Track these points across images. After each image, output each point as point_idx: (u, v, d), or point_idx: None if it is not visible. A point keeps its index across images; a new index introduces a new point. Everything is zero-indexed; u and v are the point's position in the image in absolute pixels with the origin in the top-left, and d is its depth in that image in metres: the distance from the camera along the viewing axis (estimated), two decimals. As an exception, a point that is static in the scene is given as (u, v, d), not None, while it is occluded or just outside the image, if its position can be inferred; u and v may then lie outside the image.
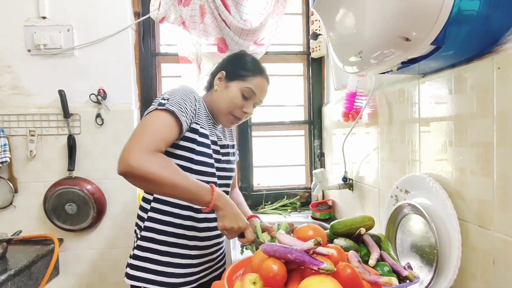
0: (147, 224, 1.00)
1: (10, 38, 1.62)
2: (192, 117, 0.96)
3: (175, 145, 0.97)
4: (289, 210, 1.84)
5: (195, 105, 0.98)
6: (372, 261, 0.79)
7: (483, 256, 0.71)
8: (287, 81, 2.02)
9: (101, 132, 1.67)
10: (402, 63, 0.75)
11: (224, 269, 1.09)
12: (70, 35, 1.64)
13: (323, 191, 1.90)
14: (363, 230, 0.89)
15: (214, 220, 1.03)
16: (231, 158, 1.14)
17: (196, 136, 0.99)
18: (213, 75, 1.12)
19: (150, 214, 1.00)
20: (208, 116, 1.07)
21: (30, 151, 1.61)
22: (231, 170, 1.14)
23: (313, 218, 1.73)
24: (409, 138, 0.97)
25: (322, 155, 1.94)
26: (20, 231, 1.50)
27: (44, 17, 1.63)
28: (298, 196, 1.95)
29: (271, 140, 2.03)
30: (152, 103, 0.93)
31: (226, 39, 1.66)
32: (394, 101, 1.06)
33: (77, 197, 1.59)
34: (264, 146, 2.00)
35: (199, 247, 1.03)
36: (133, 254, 1.01)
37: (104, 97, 1.66)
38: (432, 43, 0.62)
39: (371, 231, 0.97)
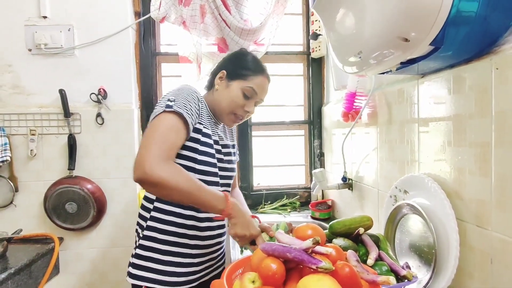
0: (150, 223, 1.01)
1: (11, 37, 1.63)
2: (197, 117, 0.97)
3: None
4: (289, 210, 1.84)
5: (198, 105, 0.99)
6: (370, 261, 0.79)
7: (481, 255, 0.71)
8: (287, 81, 2.03)
9: (101, 131, 1.68)
10: (401, 63, 0.75)
11: (224, 268, 1.10)
12: (70, 35, 1.64)
13: (322, 191, 1.91)
14: (361, 230, 0.89)
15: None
16: (232, 158, 1.15)
17: (199, 136, 0.99)
18: (214, 74, 1.12)
19: (153, 213, 1.01)
20: (210, 116, 1.08)
21: (31, 150, 1.61)
22: (232, 170, 1.15)
23: (313, 218, 1.73)
24: (408, 138, 0.98)
25: (321, 155, 1.94)
26: (21, 230, 1.50)
27: (45, 17, 1.63)
28: (298, 196, 1.95)
29: (271, 140, 2.03)
30: (157, 104, 0.94)
31: (226, 39, 1.67)
32: (393, 101, 1.06)
33: (77, 196, 1.60)
34: (264, 146, 2.00)
35: (201, 246, 1.03)
36: (135, 253, 1.02)
37: (105, 97, 1.66)
38: (430, 44, 0.63)
39: (370, 231, 0.98)
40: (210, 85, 1.13)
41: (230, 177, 1.14)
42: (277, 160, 2.04)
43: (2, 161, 1.54)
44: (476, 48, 0.68)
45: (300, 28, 1.98)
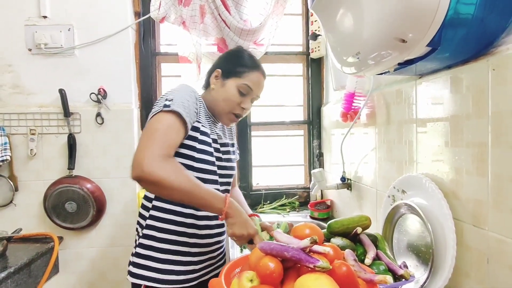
0: (149, 222, 1.01)
1: (11, 37, 1.63)
2: (195, 116, 0.98)
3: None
4: (288, 210, 1.85)
5: (197, 104, 0.99)
6: (368, 260, 0.80)
7: (478, 255, 0.72)
8: (287, 81, 2.03)
9: (101, 131, 1.68)
10: (399, 64, 0.75)
11: (224, 268, 1.10)
12: (70, 35, 1.65)
13: (321, 191, 1.91)
14: (359, 230, 0.90)
15: (213, 218, 1.04)
16: (231, 156, 1.15)
17: (197, 135, 1.00)
18: (209, 73, 1.12)
19: (152, 212, 1.01)
20: (208, 115, 1.08)
21: (31, 149, 1.62)
22: (231, 168, 1.15)
23: (312, 217, 1.74)
24: (406, 139, 0.98)
25: (321, 155, 1.94)
26: (20, 229, 1.50)
27: (45, 17, 1.64)
28: (297, 196, 1.95)
29: (270, 140, 2.04)
30: (155, 104, 0.95)
31: (226, 39, 1.67)
32: (392, 102, 1.07)
33: (77, 195, 1.60)
34: (263, 146, 2.01)
35: (200, 244, 1.04)
36: (135, 252, 1.02)
37: (104, 96, 1.67)
38: (427, 45, 0.63)
39: (368, 231, 0.98)
40: (207, 85, 1.13)
41: (229, 176, 1.14)
42: (276, 160, 2.04)
43: (2, 161, 1.55)
44: (473, 49, 0.69)
45: (300, 28, 1.98)
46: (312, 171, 1.63)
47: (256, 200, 1.92)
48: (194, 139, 0.99)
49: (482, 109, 0.68)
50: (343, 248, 0.82)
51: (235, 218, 0.90)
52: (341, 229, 0.95)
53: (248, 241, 0.94)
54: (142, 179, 0.82)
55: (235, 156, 1.22)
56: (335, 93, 1.71)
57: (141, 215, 1.05)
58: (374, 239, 0.92)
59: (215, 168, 1.05)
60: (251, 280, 0.66)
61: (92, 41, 1.67)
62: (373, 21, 0.66)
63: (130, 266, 1.02)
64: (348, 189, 1.48)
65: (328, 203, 1.77)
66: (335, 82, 1.58)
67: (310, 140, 1.98)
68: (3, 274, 1.22)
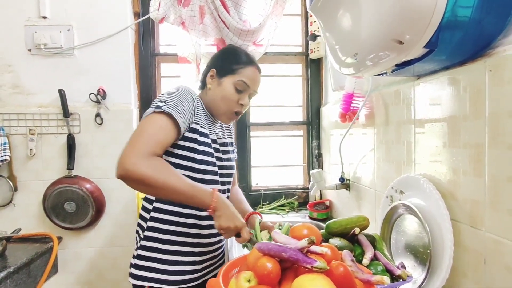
0: (150, 224, 1.01)
1: (10, 37, 1.63)
2: (191, 117, 0.97)
3: (177, 146, 0.98)
4: (287, 210, 1.85)
5: (193, 105, 0.99)
6: (366, 260, 0.80)
7: (475, 255, 0.72)
8: (286, 81, 2.04)
9: (100, 131, 1.69)
10: (397, 65, 0.76)
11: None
12: (70, 35, 1.65)
13: (320, 191, 1.92)
14: (357, 230, 0.90)
15: None
16: (230, 156, 1.16)
17: (197, 136, 1.00)
18: (205, 74, 1.12)
19: (153, 214, 1.02)
20: (206, 115, 1.08)
21: (30, 149, 1.62)
22: (231, 167, 1.15)
23: (311, 218, 1.74)
24: (405, 139, 0.98)
25: (320, 155, 1.95)
26: (20, 229, 1.51)
27: (44, 17, 1.64)
28: (296, 196, 1.96)
29: (269, 140, 2.04)
30: (151, 105, 0.95)
31: (225, 40, 1.67)
32: (390, 102, 1.07)
33: (76, 195, 1.60)
34: (263, 146, 2.01)
35: (203, 244, 1.04)
36: (137, 254, 1.02)
37: (104, 97, 1.67)
38: (425, 46, 0.64)
39: (366, 231, 0.99)
40: (203, 85, 1.13)
41: (229, 175, 1.15)
42: (275, 161, 2.04)
43: (2, 161, 1.55)
44: (470, 51, 0.69)
45: (299, 29, 1.99)
46: (311, 172, 1.63)
47: (255, 200, 1.92)
48: (194, 140, 0.99)
49: (479, 110, 0.69)
50: (341, 248, 0.83)
51: (221, 210, 0.90)
52: (339, 229, 0.96)
53: (235, 234, 0.94)
54: (125, 178, 0.82)
55: (234, 155, 1.22)
56: (334, 94, 1.71)
57: (142, 217, 1.05)
58: (372, 239, 0.93)
59: (215, 169, 1.05)
60: (249, 280, 0.66)
61: (91, 41, 1.67)
62: (371, 22, 0.67)
63: (132, 268, 1.01)
64: (347, 189, 1.48)
65: (327, 203, 1.77)
66: (334, 82, 1.58)
67: (309, 141, 1.98)
68: (2, 274, 1.22)
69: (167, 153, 0.98)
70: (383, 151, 1.13)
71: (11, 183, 1.62)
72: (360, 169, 1.34)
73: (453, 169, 0.77)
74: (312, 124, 1.96)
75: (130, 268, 1.03)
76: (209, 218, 1.04)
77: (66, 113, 1.62)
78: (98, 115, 1.67)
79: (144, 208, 1.05)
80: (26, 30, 1.63)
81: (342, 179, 1.48)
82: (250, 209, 1.20)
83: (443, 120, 0.80)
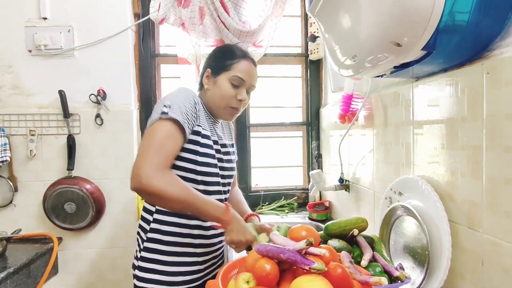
0: (153, 226, 1.02)
1: (11, 38, 1.64)
2: (194, 120, 0.98)
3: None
4: (287, 211, 1.85)
5: (195, 108, 0.99)
6: (364, 262, 0.80)
7: (473, 257, 0.72)
8: (285, 82, 2.04)
9: (100, 132, 1.69)
10: (395, 67, 0.76)
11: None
12: (70, 36, 1.66)
13: (320, 192, 1.92)
14: (355, 231, 0.90)
15: None
16: (231, 157, 1.16)
17: (199, 138, 1.00)
18: (202, 75, 1.13)
19: (156, 216, 1.02)
20: (207, 116, 1.08)
21: (30, 150, 1.62)
22: (232, 169, 1.16)
23: (310, 219, 1.74)
24: (404, 141, 0.99)
25: (319, 156, 1.95)
26: (20, 230, 1.51)
27: (45, 18, 1.64)
28: (296, 197, 1.96)
29: (269, 141, 2.04)
30: (154, 109, 0.95)
31: (225, 41, 1.68)
32: (389, 104, 1.07)
33: (76, 196, 1.61)
34: (262, 147, 2.01)
35: (205, 244, 1.05)
36: (140, 256, 1.02)
37: (104, 98, 1.68)
38: (423, 49, 0.64)
39: (365, 232, 0.99)
40: (201, 86, 1.13)
41: (230, 176, 1.15)
42: (275, 161, 2.05)
43: (2, 161, 1.56)
44: (468, 53, 0.69)
45: (299, 30, 1.99)
46: (310, 173, 1.63)
47: (255, 201, 1.92)
48: (196, 143, 0.99)
49: (477, 112, 0.69)
50: (339, 250, 0.83)
51: (233, 224, 0.92)
52: (338, 231, 0.96)
53: (246, 247, 0.95)
54: (140, 191, 0.84)
55: (234, 157, 1.22)
56: (333, 95, 1.72)
57: (143, 219, 1.06)
58: (370, 241, 0.93)
59: (217, 170, 1.06)
60: (247, 282, 0.67)
61: (91, 42, 1.68)
62: (369, 25, 0.67)
63: (136, 270, 1.02)
64: (346, 190, 1.48)
65: (327, 204, 1.77)
66: (334, 83, 1.59)
67: (309, 142, 1.99)
68: (2, 275, 1.22)
69: None
70: (382, 152, 1.13)
71: (11, 183, 1.63)
72: (359, 170, 1.34)
73: (451, 170, 0.78)
74: (312, 125, 1.97)
75: (133, 270, 1.03)
76: (210, 220, 1.05)
77: (66, 114, 1.63)
78: (98, 116, 1.67)
79: (145, 210, 1.06)
80: (27, 31, 1.64)
81: (341, 180, 1.48)
82: (249, 211, 1.21)
83: (442, 122, 0.81)
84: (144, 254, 1.02)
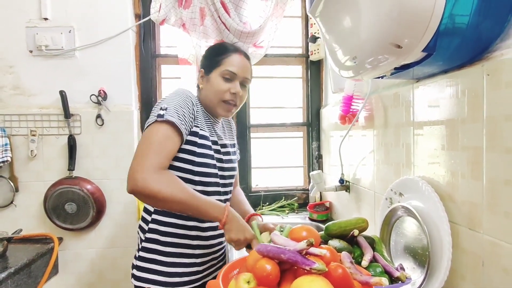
0: (152, 226, 1.02)
1: (12, 39, 1.64)
2: (191, 122, 0.98)
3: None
4: (287, 211, 1.86)
5: (193, 109, 0.99)
6: (364, 262, 0.81)
7: (473, 258, 0.72)
8: (286, 83, 2.04)
9: (101, 132, 1.69)
10: (396, 68, 0.76)
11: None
12: (71, 36, 1.66)
13: (320, 192, 1.92)
14: (356, 232, 0.90)
15: None
16: (232, 157, 1.16)
17: (196, 139, 1.00)
18: (197, 77, 1.14)
19: (154, 216, 1.02)
20: (206, 116, 1.08)
21: (31, 150, 1.63)
22: (232, 169, 1.16)
23: (311, 219, 1.74)
24: (404, 141, 0.99)
25: (320, 157, 1.95)
26: (21, 230, 1.51)
27: (46, 19, 1.65)
28: (296, 198, 1.96)
29: (269, 142, 2.05)
30: (151, 113, 0.95)
31: (225, 41, 1.68)
32: (389, 105, 1.07)
33: (77, 196, 1.61)
34: (263, 147, 2.01)
35: (203, 246, 1.05)
36: (138, 255, 1.03)
37: (105, 98, 1.68)
38: (423, 50, 0.64)
39: (366, 233, 0.99)
40: (198, 87, 1.14)
41: (231, 177, 1.15)
42: (275, 162, 2.05)
43: (3, 161, 1.56)
44: (469, 55, 0.69)
45: (299, 31, 1.99)
46: (310, 173, 1.63)
47: (255, 201, 1.92)
48: (193, 143, 1.00)
49: (477, 113, 0.69)
50: (340, 250, 0.83)
51: (232, 223, 0.92)
52: (338, 231, 0.96)
53: (246, 245, 0.95)
54: (136, 193, 0.85)
55: (236, 157, 1.22)
56: (334, 96, 1.72)
57: (143, 219, 1.06)
58: (371, 241, 0.93)
59: (216, 171, 1.06)
60: (248, 282, 0.67)
61: (92, 43, 1.68)
62: (369, 26, 0.67)
63: (134, 270, 1.03)
64: (346, 191, 1.49)
65: (327, 204, 1.78)
66: (334, 84, 1.59)
67: (309, 142, 1.99)
68: (3, 275, 1.22)
69: None
70: (382, 153, 1.13)
71: (12, 183, 1.63)
72: (359, 171, 1.35)
73: (452, 171, 0.78)
74: (312, 125, 1.97)
75: (132, 269, 1.03)
76: (210, 220, 1.05)
77: (67, 114, 1.63)
78: (99, 116, 1.68)
79: (145, 210, 1.06)
80: (28, 32, 1.64)
81: (342, 181, 1.48)
82: (251, 211, 1.21)
83: (442, 123, 0.81)
84: (142, 254, 1.02)
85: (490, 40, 0.66)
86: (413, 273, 0.87)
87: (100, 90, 1.66)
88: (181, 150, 0.98)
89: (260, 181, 2.00)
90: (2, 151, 1.55)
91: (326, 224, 1.00)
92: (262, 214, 1.82)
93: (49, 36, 1.63)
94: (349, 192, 1.47)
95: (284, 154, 2.05)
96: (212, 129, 1.09)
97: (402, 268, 0.82)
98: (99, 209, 1.66)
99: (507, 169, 0.62)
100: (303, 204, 1.94)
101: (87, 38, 1.68)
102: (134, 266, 1.03)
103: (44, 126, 1.66)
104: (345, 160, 1.47)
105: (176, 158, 0.98)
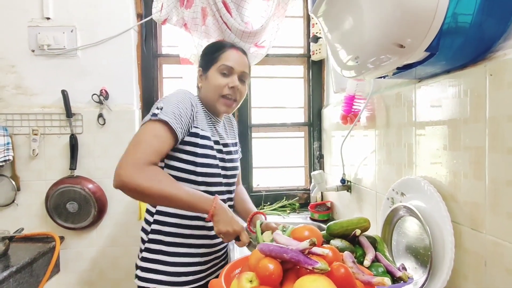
0: (154, 227, 1.02)
1: (14, 38, 1.65)
2: (189, 122, 0.97)
3: (178, 150, 0.99)
4: (288, 211, 1.86)
5: (192, 110, 0.98)
6: (367, 262, 0.81)
7: (475, 258, 0.72)
8: (287, 83, 2.04)
9: (102, 131, 1.69)
10: (398, 68, 0.76)
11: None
12: (73, 36, 1.66)
13: (321, 192, 1.92)
14: (358, 232, 0.90)
15: None
16: (234, 156, 1.16)
17: (197, 140, 1.00)
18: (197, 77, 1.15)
19: (156, 217, 1.03)
20: (208, 116, 1.08)
21: (33, 150, 1.63)
22: (234, 168, 1.16)
23: (312, 219, 1.74)
24: (406, 142, 0.99)
25: (321, 157, 1.95)
26: (22, 229, 1.52)
27: (48, 18, 1.65)
28: (297, 197, 1.96)
29: (271, 142, 2.05)
30: (149, 113, 0.96)
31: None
32: (391, 105, 1.07)
33: (78, 195, 1.61)
34: (264, 147, 2.02)
35: (207, 245, 1.06)
36: (142, 256, 1.03)
37: (106, 97, 1.68)
38: (426, 50, 0.64)
39: (367, 233, 0.99)
40: (198, 87, 1.14)
41: (233, 176, 1.15)
42: (276, 162, 2.05)
43: (5, 161, 1.56)
44: (471, 55, 0.69)
45: (301, 30, 1.99)
46: (312, 173, 1.63)
47: (257, 201, 1.92)
48: (195, 144, 1.00)
49: (479, 113, 0.69)
50: (342, 250, 0.83)
51: (220, 215, 0.91)
52: (340, 231, 0.96)
53: (235, 237, 0.95)
54: (122, 188, 0.85)
55: (238, 155, 1.22)
56: (335, 96, 1.72)
57: (145, 220, 1.07)
58: (373, 241, 0.93)
59: (219, 171, 1.06)
60: (250, 281, 0.67)
61: (94, 42, 1.68)
62: (372, 26, 0.67)
63: (138, 270, 1.03)
64: (348, 191, 1.49)
65: (328, 204, 1.77)
66: (336, 84, 1.59)
67: (311, 142, 1.99)
68: (5, 273, 1.23)
69: (169, 157, 0.99)
70: (384, 153, 1.13)
71: (14, 183, 1.63)
72: (361, 171, 1.35)
73: (454, 171, 0.78)
74: (314, 125, 1.97)
75: (136, 270, 1.04)
76: (198, 212, 1.05)
77: (69, 114, 1.63)
78: (100, 115, 1.68)
79: (148, 211, 1.07)
80: (30, 31, 1.64)
81: (343, 181, 1.48)
82: (254, 209, 1.21)
83: (444, 123, 0.81)
84: (146, 254, 1.02)
85: (493, 39, 0.65)
86: (415, 273, 0.87)
87: (101, 90, 1.67)
88: (182, 151, 0.98)
89: (261, 181, 2.00)
90: (4, 150, 1.56)
91: (328, 224, 1.00)
92: (264, 213, 1.82)
93: (51, 35, 1.64)
94: (350, 192, 1.47)
95: (286, 154, 2.05)
96: (213, 129, 1.09)
97: (404, 268, 0.82)
98: (101, 209, 1.66)
99: (509, 169, 0.62)
100: (304, 204, 1.94)
101: (89, 38, 1.68)
102: (138, 267, 1.03)
103: (46, 126, 1.66)
104: (346, 160, 1.47)
105: (178, 159, 0.99)
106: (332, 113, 1.75)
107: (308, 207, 1.79)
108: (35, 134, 1.63)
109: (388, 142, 1.10)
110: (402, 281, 0.76)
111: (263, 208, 1.88)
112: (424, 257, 0.84)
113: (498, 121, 0.64)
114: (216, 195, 0.95)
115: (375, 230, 1.12)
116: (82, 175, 1.67)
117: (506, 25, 0.64)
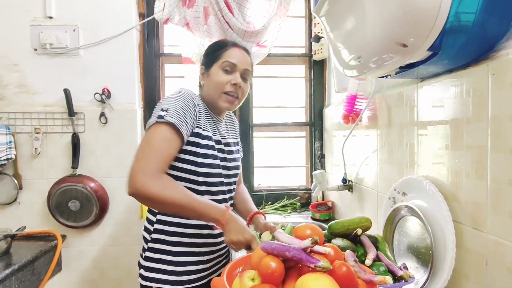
0: (157, 226, 1.03)
1: (17, 37, 1.65)
2: (193, 123, 0.98)
3: (179, 150, 0.99)
4: (289, 211, 1.86)
5: (195, 110, 0.99)
6: (368, 261, 0.81)
7: (477, 257, 0.72)
8: (289, 83, 2.04)
9: (105, 130, 1.70)
10: (401, 67, 0.76)
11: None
12: (75, 35, 1.67)
13: (323, 192, 1.92)
14: (359, 231, 0.90)
15: None
16: (235, 155, 1.16)
17: (199, 140, 1.00)
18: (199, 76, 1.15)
19: (159, 217, 1.03)
20: (209, 115, 1.08)
21: (35, 148, 1.64)
22: (236, 167, 1.16)
23: (313, 219, 1.75)
24: (407, 141, 0.99)
25: (322, 156, 1.95)
26: (24, 227, 1.52)
27: (50, 17, 1.66)
28: (298, 197, 1.96)
29: (272, 141, 2.05)
30: (153, 113, 0.96)
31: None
32: (393, 105, 1.08)
33: (80, 194, 1.62)
34: (265, 147, 2.02)
35: (210, 244, 1.06)
36: (145, 256, 1.03)
37: (108, 96, 1.69)
38: (428, 49, 0.64)
39: (369, 232, 0.99)
40: (200, 86, 1.14)
41: (235, 175, 1.16)
42: (278, 161, 2.05)
43: (7, 159, 1.57)
44: (474, 54, 0.69)
45: (303, 30, 1.99)
46: (313, 173, 1.63)
47: (258, 201, 1.92)
48: (196, 144, 1.00)
49: (481, 113, 0.69)
50: (343, 249, 0.83)
51: (231, 225, 0.93)
52: (341, 230, 0.96)
53: (246, 246, 0.96)
54: (137, 196, 0.86)
55: (240, 155, 1.23)
56: (337, 95, 1.72)
57: (148, 220, 1.07)
58: (374, 240, 0.93)
59: (220, 170, 1.06)
60: (252, 279, 0.67)
61: (96, 41, 1.69)
62: (374, 26, 0.67)
63: (141, 270, 1.03)
64: (349, 190, 1.49)
65: (330, 204, 1.78)
66: (337, 84, 1.59)
67: (312, 142, 1.99)
68: (7, 271, 1.23)
69: None
70: (385, 153, 1.13)
71: (16, 181, 1.64)
72: (362, 170, 1.35)
73: (456, 171, 0.78)
74: (315, 125, 1.97)
75: (139, 269, 1.04)
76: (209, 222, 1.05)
77: (71, 113, 1.64)
78: (102, 114, 1.68)
79: (150, 211, 1.07)
80: (32, 30, 1.65)
81: (344, 180, 1.48)
82: (255, 209, 1.22)
83: (446, 123, 0.81)
84: (149, 254, 1.03)
85: (495, 38, 0.65)
86: (416, 272, 0.87)
87: (104, 89, 1.67)
88: (183, 152, 0.99)
89: (262, 180, 2.01)
90: (6, 149, 1.56)
91: (330, 223, 1.00)
92: (264, 213, 1.82)
93: (53, 34, 1.64)
94: (351, 191, 1.47)
95: (287, 154, 2.05)
96: (215, 128, 1.09)
97: (406, 267, 0.82)
98: (102, 207, 1.67)
99: (511, 169, 0.62)
100: (305, 204, 1.94)
101: (91, 37, 1.68)
102: (141, 266, 1.04)
103: (48, 124, 1.67)
104: (348, 159, 1.47)
105: (179, 160, 0.99)
106: (333, 113, 1.75)
107: (309, 207, 1.80)
108: (38, 133, 1.64)
109: (390, 141, 1.10)
110: (403, 280, 0.76)
111: (264, 208, 1.88)
112: (426, 256, 0.84)
113: (500, 121, 0.65)
114: (228, 204, 0.96)
115: (376, 230, 1.13)
116: (84, 174, 1.67)
117: (508, 25, 0.64)
